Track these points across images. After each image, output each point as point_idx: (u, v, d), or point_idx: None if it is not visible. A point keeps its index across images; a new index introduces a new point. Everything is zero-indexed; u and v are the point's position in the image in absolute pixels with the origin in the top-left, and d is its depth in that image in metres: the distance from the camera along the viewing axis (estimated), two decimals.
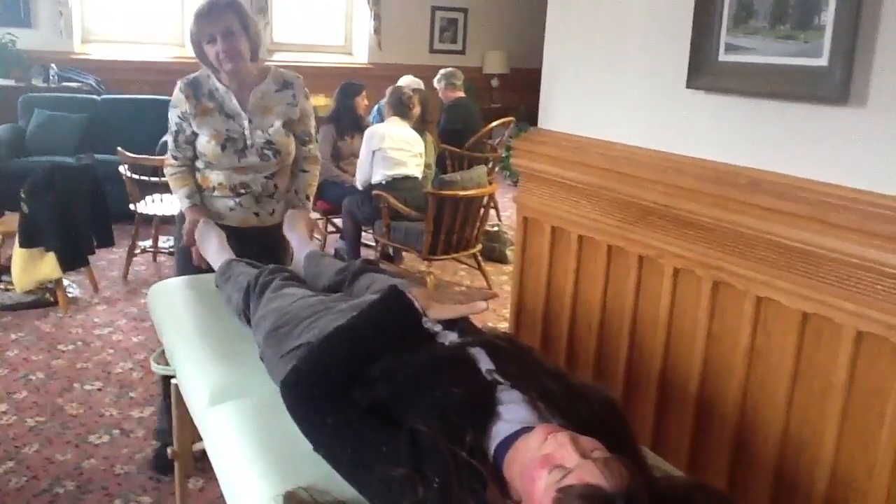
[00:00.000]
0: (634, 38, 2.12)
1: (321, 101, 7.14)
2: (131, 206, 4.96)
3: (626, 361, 2.19)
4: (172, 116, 2.68)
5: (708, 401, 1.95)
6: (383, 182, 4.94)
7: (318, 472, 1.38)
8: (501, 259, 5.70)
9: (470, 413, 1.34)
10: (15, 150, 6.08)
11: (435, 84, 6.73)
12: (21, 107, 6.41)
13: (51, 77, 6.90)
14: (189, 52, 7.50)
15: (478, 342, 1.54)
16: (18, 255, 4.20)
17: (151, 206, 4.97)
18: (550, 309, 2.46)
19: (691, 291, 1.96)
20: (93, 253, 4.61)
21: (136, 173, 4.88)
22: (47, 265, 4.21)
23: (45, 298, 4.46)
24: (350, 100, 5.58)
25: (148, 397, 3.38)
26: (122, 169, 4.89)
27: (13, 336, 4.03)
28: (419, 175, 5.12)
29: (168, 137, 2.75)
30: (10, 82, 6.80)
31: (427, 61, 8.63)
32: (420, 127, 5.32)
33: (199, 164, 2.70)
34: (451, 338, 1.61)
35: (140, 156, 4.86)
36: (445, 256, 4.90)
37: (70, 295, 4.57)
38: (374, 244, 5.49)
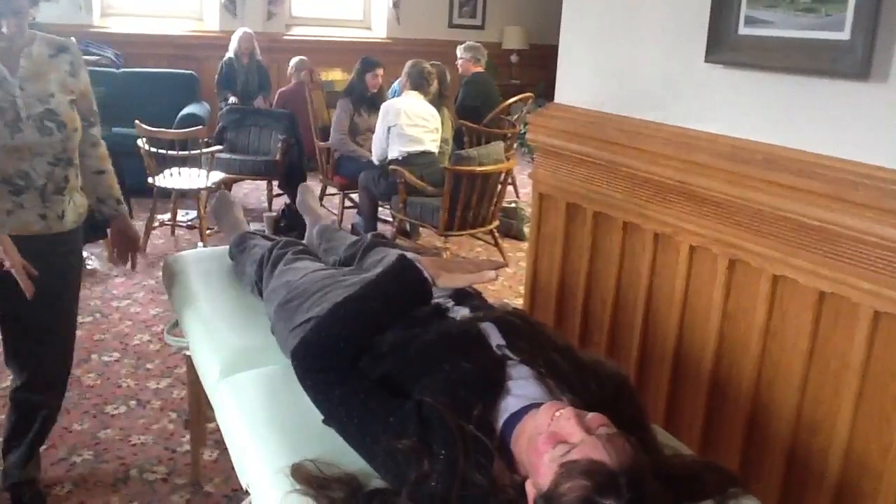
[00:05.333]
0: (652, 11, 2.08)
1: (338, 76, 7.11)
2: (150, 180, 4.98)
3: (640, 340, 2.17)
4: None
5: (722, 380, 1.93)
6: (400, 157, 4.93)
7: (327, 444, 1.39)
8: (518, 236, 5.67)
9: (479, 387, 1.34)
10: None
11: (459, 53, 6.67)
12: None
13: None
14: (207, 26, 7.60)
15: (489, 318, 1.54)
16: None
17: (170, 179, 4.97)
18: (565, 286, 2.45)
19: (707, 269, 1.94)
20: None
21: (153, 147, 4.88)
22: None
23: None
24: (361, 75, 5.57)
25: (164, 369, 3.41)
26: (140, 142, 4.90)
27: None
28: (436, 150, 5.10)
29: None
30: None
31: (446, 36, 8.55)
32: (437, 102, 5.30)
33: None
34: (462, 313, 1.61)
35: (158, 129, 4.86)
36: (462, 232, 4.88)
37: (89, 267, 4.60)
38: (391, 220, 5.48)
